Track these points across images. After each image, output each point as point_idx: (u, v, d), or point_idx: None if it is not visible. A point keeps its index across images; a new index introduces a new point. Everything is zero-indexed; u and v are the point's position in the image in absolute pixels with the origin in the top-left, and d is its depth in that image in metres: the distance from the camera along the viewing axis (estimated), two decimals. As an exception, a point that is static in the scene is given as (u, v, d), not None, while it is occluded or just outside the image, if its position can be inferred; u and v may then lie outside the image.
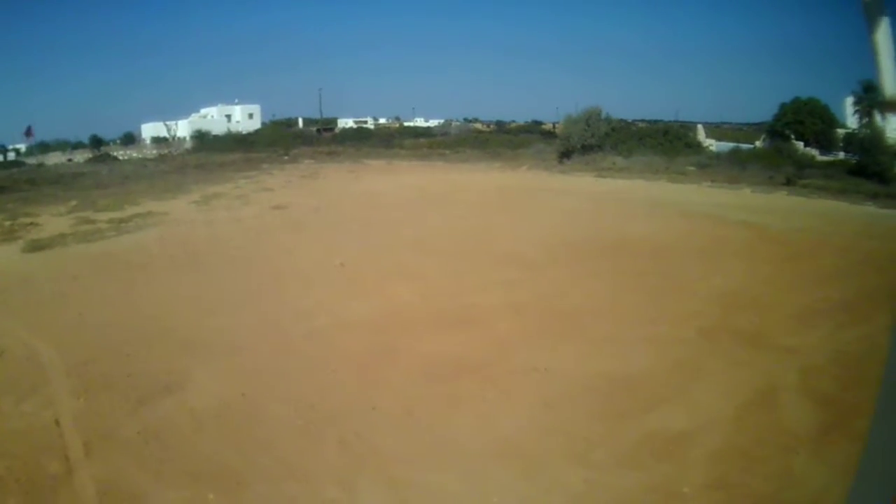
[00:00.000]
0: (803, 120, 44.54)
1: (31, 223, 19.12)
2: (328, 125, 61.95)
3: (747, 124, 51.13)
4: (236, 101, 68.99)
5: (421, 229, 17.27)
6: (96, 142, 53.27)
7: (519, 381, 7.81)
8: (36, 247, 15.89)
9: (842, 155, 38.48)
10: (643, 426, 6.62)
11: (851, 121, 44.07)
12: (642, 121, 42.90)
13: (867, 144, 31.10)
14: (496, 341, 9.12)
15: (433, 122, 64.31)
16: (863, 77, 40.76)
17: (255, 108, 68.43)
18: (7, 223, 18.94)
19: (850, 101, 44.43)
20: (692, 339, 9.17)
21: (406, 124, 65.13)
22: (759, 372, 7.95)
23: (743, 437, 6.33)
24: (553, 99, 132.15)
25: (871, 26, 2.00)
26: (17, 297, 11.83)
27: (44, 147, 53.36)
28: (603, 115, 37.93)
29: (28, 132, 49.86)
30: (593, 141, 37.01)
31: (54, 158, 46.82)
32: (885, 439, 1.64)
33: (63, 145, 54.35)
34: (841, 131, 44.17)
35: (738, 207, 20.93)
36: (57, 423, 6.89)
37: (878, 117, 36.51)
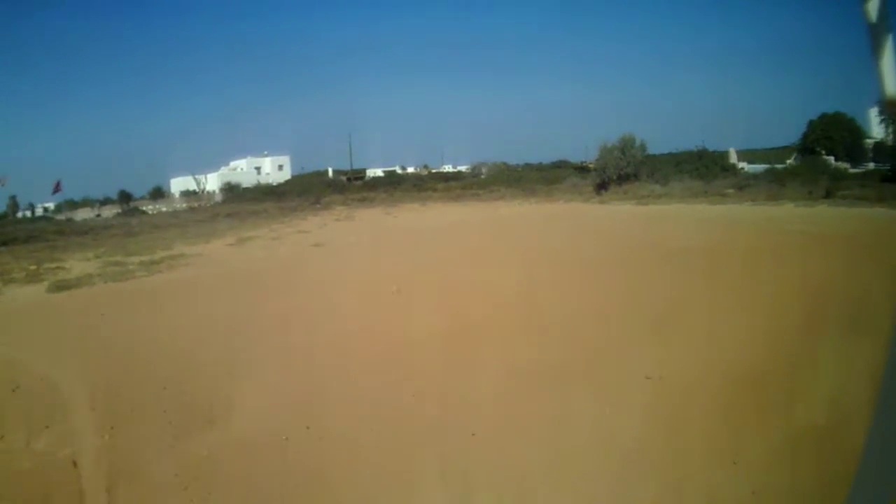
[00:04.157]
0: (832, 135, 43.81)
1: (58, 267, 18.11)
2: (357, 174, 61.38)
3: (773, 148, 50.03)
4: (266, 153, 68.99)
5: (470, 253, 16.05)
6: (125, 197, 53.06)
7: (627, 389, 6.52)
8: (61, 287, 14.81)
9: (871, 165, 37.50)
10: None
11: (878, 130, 43.29)
12: (669, 154, 41.85)
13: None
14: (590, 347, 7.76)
15: (462, 167, 63.35)
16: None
17: (285, 160, 68.10)
18: (32, 267, 17.94)
19: (874, 110, 43.59)
20: (794, 332, 7.85)
21: (435, 171, 64.28)
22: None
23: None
24: (577, 139, 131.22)
25: (870, 26, 1.96)
26: (40, 333, 10.67)
27: (72, 204, 53.28)
28: (637, 143, 36.84)
29: (56, 187, 49.67)
30: (629, 170, 35.77)
31: (82, 214, 46.51)
32: (885, 439, 1.63)
33: (91, 202, 54.28)
34: (869, 141, 43.36)
35: (788, 219, 20.10)
36: (74, 463, 5.51)
37: None
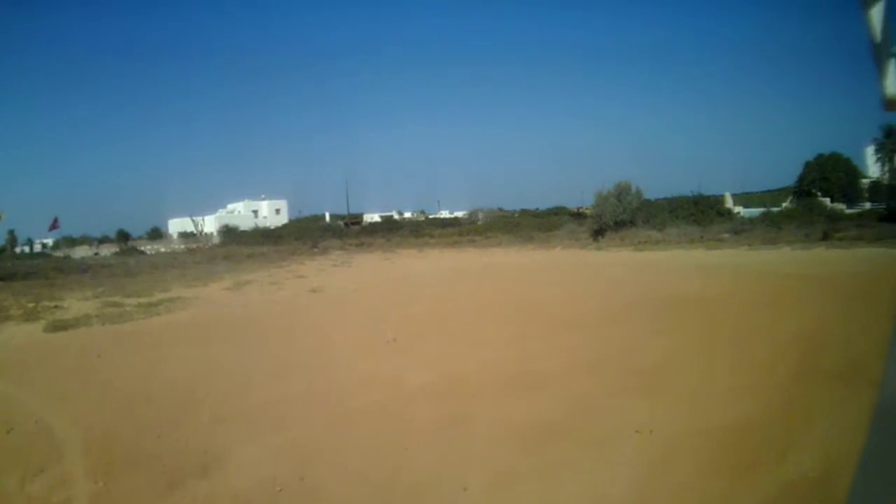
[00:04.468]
0: (827, 176, 44.33)
1: (56, 306, 18.15)
2: (355, 219, 61.82)
3: (769, 191, 50.87)
4: (263, 196, 69.80)
5: (466, 301, 16.14)
6: (123, 236, 53.46)
7: (617, 442, 6.47)
8: (58, 326, 14.87)
9: (868, 205, 37.87)
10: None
11: (874, 169, 43.82)
12: (665, 199, 42.50)
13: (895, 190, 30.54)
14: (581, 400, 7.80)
15: (459, 213, 63.83)
16: (883, 122, 40.72)
17: (282, 204, 68.98)
18: (30, 305, 17.98)
19: (870, 150, 44.17)
20: (785, 383, 7.86)
21: (431, 216, 64.79)
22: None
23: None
24: (573, 185, 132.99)
25: (870, 24, 1.97)
26: (35, 373, 10.71)
27: (70, 241, 53.51)
28: (633, 190, 37.44)
29: (54, 224, 49.82)
30: (625, 216, 36.46)
31: (80, 252, 46.74)
32: (885, 439, 1.63)
33: (89, 240, 54.56)
34: (865, 181, 43.78)
35: (783, 263, 20.43)
36: (68, 509, 5.55)
37: None
